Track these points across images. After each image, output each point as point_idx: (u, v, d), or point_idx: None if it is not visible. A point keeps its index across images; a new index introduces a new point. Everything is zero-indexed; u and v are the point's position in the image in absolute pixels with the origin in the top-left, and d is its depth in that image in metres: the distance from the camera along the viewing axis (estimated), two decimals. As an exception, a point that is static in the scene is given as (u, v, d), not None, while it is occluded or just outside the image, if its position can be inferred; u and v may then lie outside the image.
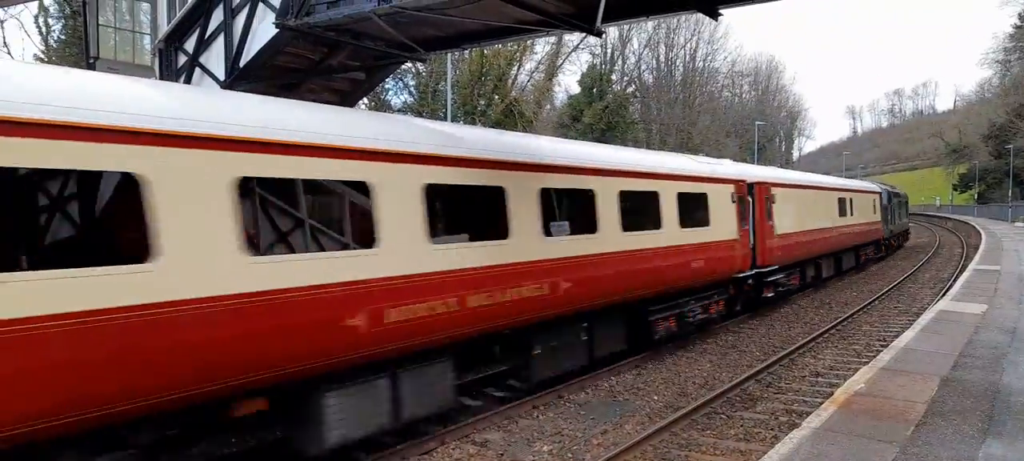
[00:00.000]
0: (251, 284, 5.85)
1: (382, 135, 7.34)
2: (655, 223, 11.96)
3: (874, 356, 10.54)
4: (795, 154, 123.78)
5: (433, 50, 12.55)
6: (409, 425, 7.93)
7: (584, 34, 11.16)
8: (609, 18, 9.81)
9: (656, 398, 10.27)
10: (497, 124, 37.66)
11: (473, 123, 36.92)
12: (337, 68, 12.07)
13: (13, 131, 4.66)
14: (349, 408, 6.85)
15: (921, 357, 9.66)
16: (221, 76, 11.37)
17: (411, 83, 40.28)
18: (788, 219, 18.41)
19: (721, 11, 9.97)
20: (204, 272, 5.57)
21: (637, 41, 60.76)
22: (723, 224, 14.41)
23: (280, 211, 6.42)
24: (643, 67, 62.76)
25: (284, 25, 9.90)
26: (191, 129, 5.64)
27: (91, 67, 13.53)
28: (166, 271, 5.34)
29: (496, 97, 41.64)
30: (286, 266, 6.21)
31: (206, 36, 11.80)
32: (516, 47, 41.23)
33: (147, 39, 18.91)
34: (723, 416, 9.36)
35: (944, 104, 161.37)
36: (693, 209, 13.25)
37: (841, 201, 24.67)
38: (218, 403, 6.02)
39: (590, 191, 10.29)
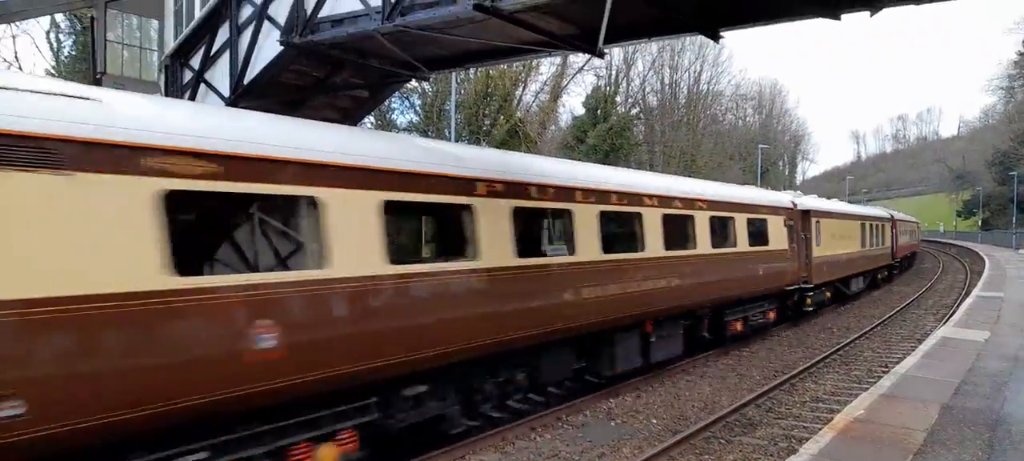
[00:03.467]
0: None
1: None
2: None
3: (875, 382, 10.46)
4: (798, 178, 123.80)
5: (437, 69, 12.65)
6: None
7: (588, 56, 11.27)
8: (611, 40, 9.88)
9: (655, 421, 10.20)
10: (502, 144, 37.80)
11: (478, 143, 37.05)
12: (341, 85, 12.16)
13: None
14: None
15: (922, 384, 9.59)
16: (226, 93, 11.45)
17: (416, 102, 40.50)
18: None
19: (722, 33, 10.05)
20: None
21: (642, 63, 60.97)
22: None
23: None
24: (647, 89, 62.91)
25: (289, 42, 9.99)
26: None
27: (98, 82, 13.66)
28: None
29: (501, 117, 41.79)
30: None
31: (212, 53, 11.91)
32: (521, 68, 41.43)
33: (154, 55, 19.10)
34: (722, 441, 9.29)
35: (948, 130, 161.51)
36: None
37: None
38: None
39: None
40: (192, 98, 12.00)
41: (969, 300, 20.73)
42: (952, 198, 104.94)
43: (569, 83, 49.58)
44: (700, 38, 11.84)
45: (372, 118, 34.62)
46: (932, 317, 21.45)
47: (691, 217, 13.04)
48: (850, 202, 51.32)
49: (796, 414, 10.58)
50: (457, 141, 33.48)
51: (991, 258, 43.00)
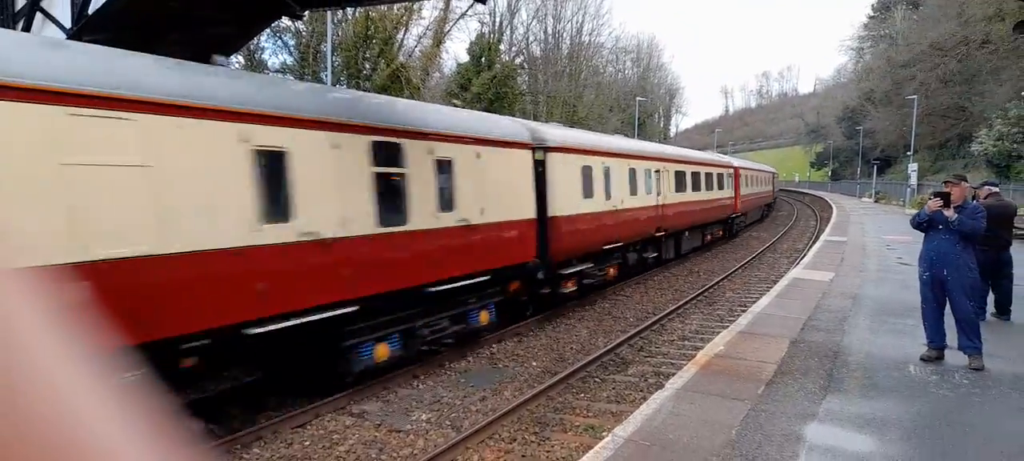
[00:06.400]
0: None
1: None
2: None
3: (734, 320, 11.26)
4: (672, 130, 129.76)
5: (310, 8, 11.99)
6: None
7: (471, 1, 11.04)
8: (493, -15, 9.74)
9: (535, 364, 10.50)
10: (382, 90, 36.73)
11: (357, 88, 35.75)
12: (203, 20, 11.23)
13: None
14: None
15: (775, 321, 10.43)
16: (67, 24, 10.27)
17: (290, 42, 38.38)
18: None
19: (602, -15, 10.16)
20: None
21: (525, 12, 61.20)
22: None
23: None
24: (531, 38, 63.20)
25: (141, -30, 9.06)
26: None
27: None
28: None
29: (382, 62, 40.50)
30: None
31: (49, -23, 10.60)
32: (403, 11, 40.19)
33: (-20, -23, 16.75)
34: (597, 379, 9.73)
35: (806, 87, 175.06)
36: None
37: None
38: None
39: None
40: (27, 29, 10.67)
41: (818, 244, 22.68)
42: (807, 150, 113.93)
43: (452, 28, 48.75)
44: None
45: (240, 57, 32.51)
46: (786, 260, 23.35)
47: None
48: (721, 153, 54.24)
49: (664, 352, 11.24)
50: (335, 84, 32.10)
51: (838, 205, 47.22)
